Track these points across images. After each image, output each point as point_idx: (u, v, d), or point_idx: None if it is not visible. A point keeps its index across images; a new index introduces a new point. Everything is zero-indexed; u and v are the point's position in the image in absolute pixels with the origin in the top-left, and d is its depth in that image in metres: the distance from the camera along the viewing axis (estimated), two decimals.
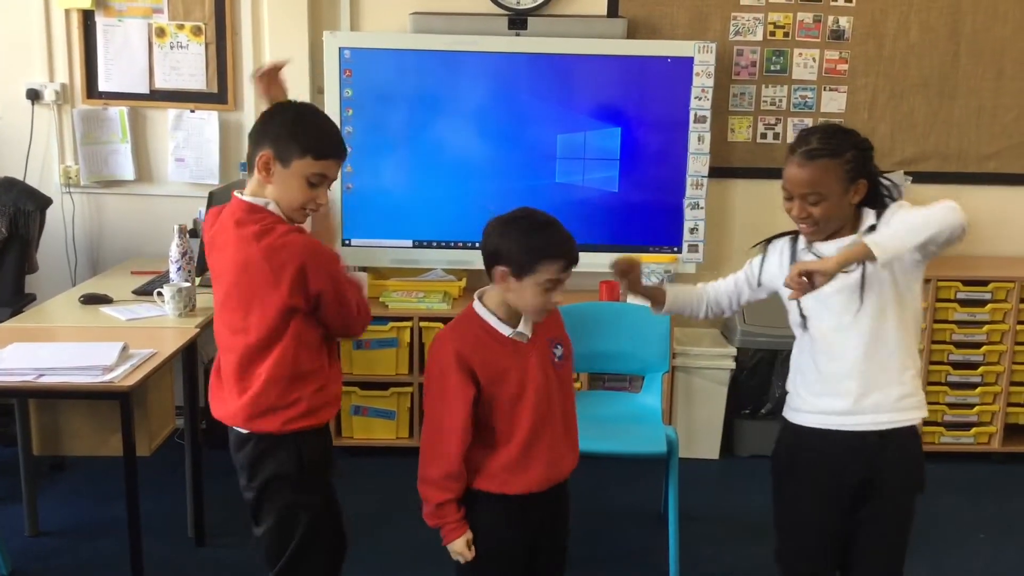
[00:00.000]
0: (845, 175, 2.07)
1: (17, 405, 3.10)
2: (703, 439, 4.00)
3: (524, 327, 2.10)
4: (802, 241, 2.22)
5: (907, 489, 2.23)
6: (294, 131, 2.06)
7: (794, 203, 2.11)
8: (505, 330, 2.09)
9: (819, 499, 2.21)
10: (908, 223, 2.01)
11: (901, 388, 2.16)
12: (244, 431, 2.18)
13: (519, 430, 2.08)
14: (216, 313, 2.21)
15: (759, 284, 2.34)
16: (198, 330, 3.08)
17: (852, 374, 2.14)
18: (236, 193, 2.17)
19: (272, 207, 2.11)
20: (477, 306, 2.13)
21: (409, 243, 4.10)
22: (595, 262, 4.06)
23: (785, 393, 3.90)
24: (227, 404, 2.19)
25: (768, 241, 2.35)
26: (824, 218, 2.09)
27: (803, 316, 2.20)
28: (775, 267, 2.28)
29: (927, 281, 3.89)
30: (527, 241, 2.03)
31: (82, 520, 3.37)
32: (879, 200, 2.14)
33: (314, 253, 2.07)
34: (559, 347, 2.18)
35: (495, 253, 2.04)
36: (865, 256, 1.95)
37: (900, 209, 2.11)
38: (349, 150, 3.87)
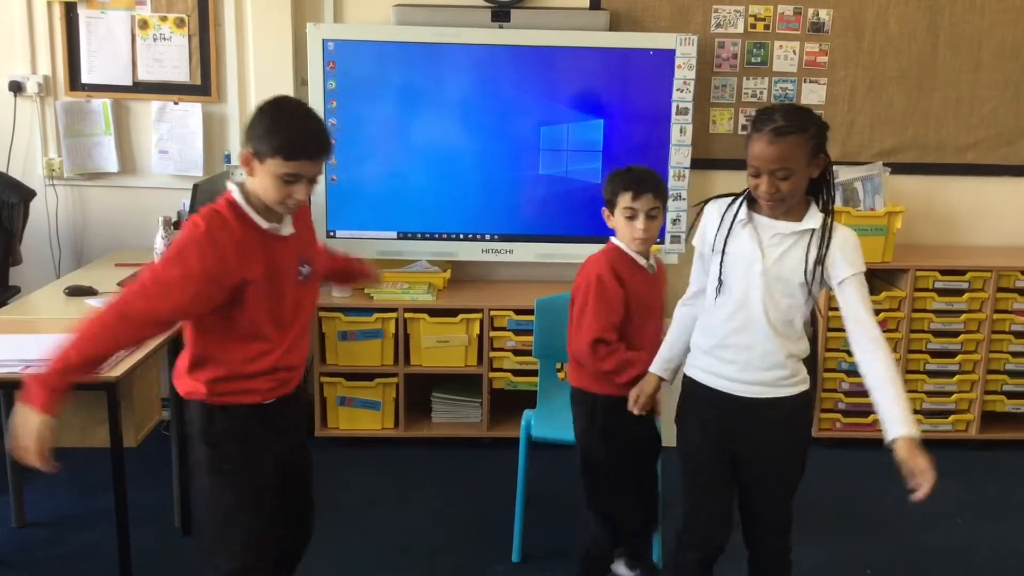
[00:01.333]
0: (810, 150, 2.16)
1: (2, 397, 3.10)
2: None
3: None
4: (742, 212, 2.26)
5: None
6: (269, 131, 2.08)
7: (762, 179, 2.17)
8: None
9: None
10: (900, 396, 2.28)
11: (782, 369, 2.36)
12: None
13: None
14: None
15: (712, 250, 2.35)
16: (183, 322, 3.08)
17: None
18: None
19: (237, 194, 2.13)
20: None
21: (393, 234, 4.12)
22: (579, 252, 4.10)
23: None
24: None
25: (705, 203, 2.42)
26: (790, 193, 2.18)
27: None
28: (711, 229, 2.34)
29: (906, 271, 3.94)
30: (610, 182, 2.66)
31: (69, 511, 3.38)
32: (824, 180, 2.26)
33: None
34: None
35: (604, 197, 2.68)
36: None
37: (851, 272, 2.28)
38: (333, 143, 3.88)
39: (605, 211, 2.67)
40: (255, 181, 2.11)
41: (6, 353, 2.63)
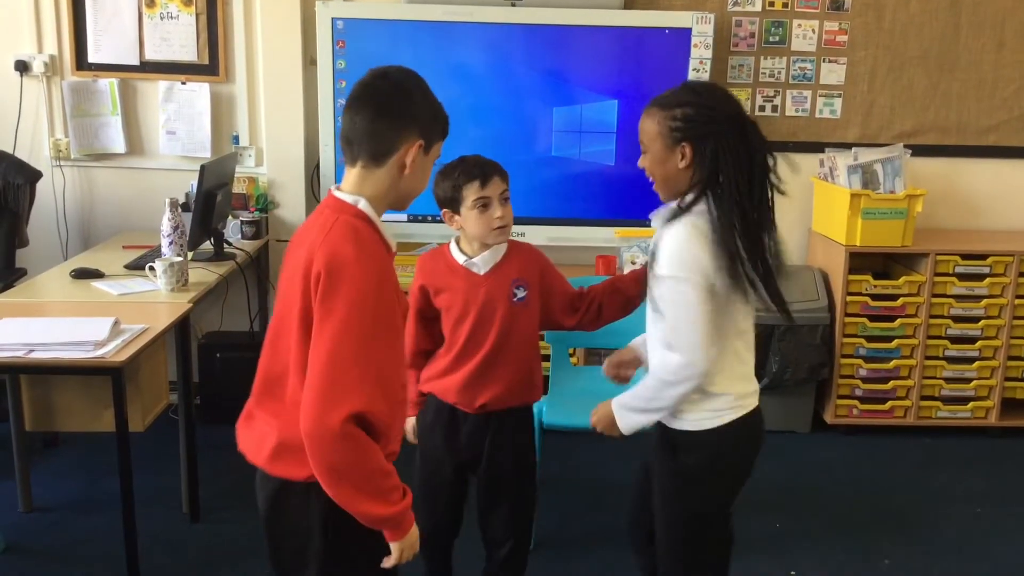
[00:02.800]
0: (668, 132, 1.91)
1: (8, 381, 3.07)
2: None
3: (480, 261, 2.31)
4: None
5: None
6: (435, 111, 1.77)
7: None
8: (460, 258, 2.33)
9: None
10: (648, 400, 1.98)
11: None
12: None
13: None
14: None
15: None
16: (191, 305, 3.04)
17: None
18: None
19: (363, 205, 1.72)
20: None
21: (404, 217, 4.06)
22: (592, 236, 4.07)
23: (784, 368, 3.92)
24: None
25: None
26: (651, 173, 1.99)
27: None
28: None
29: (926, 255, 3.87)
30: (445, 180, 2.28)
31: (76, 496, 3.35)
32: (714, 180, 1.93)
33: None
34: (521, 288, 2.32)
35: (438, 201, 2.32)
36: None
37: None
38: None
39: (445, 213, 2.29)
40: (402, 182, 1.77)
41: (12, 336, 2.59)
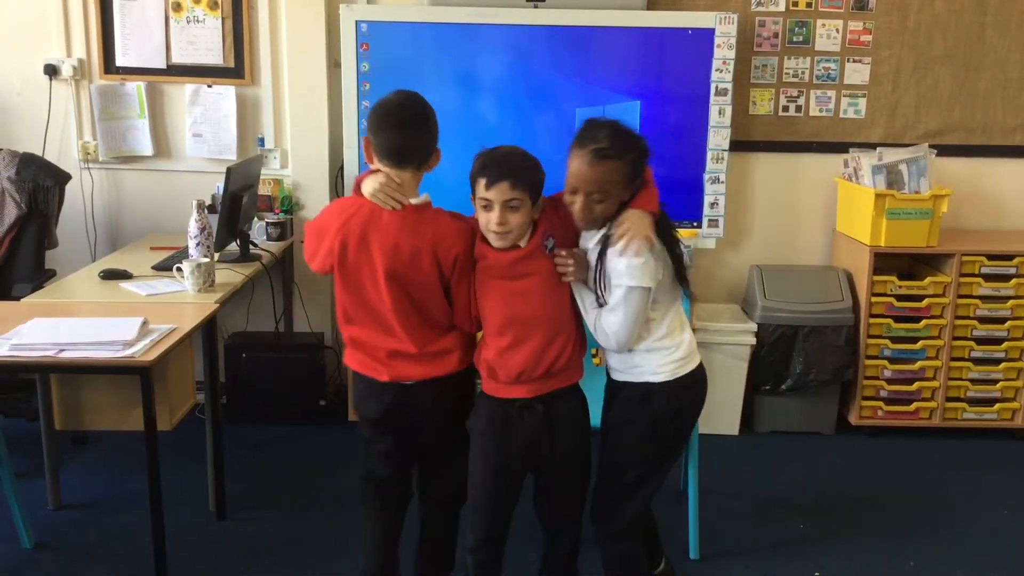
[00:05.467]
0: (627, 176, 2.18)
1: (39, 380, 3.11)
2: (722, 415, 3.97)
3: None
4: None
5: None
6: None
7: (578, 197, 2.19)
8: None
9: None
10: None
11: None
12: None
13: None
14: None
15: None
16: (217, 305, 3.08)
17: None
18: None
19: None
20: None
21: None
22: None
23: (808, 369, 3.91)
24: None
25: None
26: (603, 215, 2.21)
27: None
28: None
29: (951, 255, 3.84)
30: (475, 159, 2.27)
31: (104, 494, 3.39)
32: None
33: None
34: (550, 239, 2.29)
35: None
36: None
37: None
38: (366, 125, 3.84)
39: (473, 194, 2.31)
40: None
41: (42, 336, 2.63)
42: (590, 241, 2.28)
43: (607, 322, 2.24)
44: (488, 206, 2.21)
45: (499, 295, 2.29)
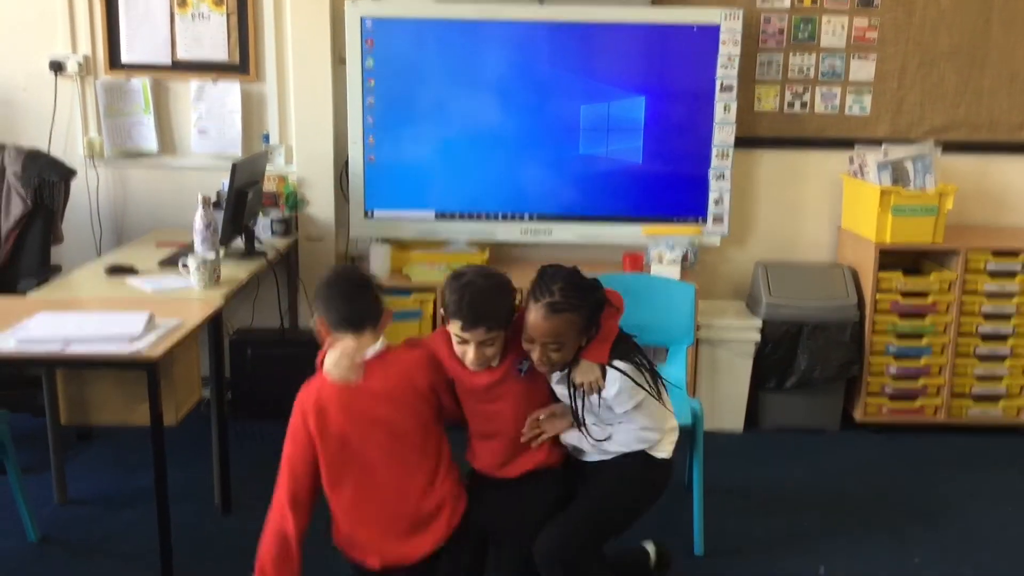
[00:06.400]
0: (581, 327, 2.26)
1: (44, 375, 3.12)
2: (727, 412, 3.97)
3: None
4: None
5: None
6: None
7: (535, 347, 2.26)
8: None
9: None
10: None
11: None
12: None
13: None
14: None
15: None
16: (223, 301, 3.08)
17: None
18: None
19: None
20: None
21: (431, 214, 4.08)
22: (619, 233, 4.08)
23: (813, 366, 3.90)
24: None
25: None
26: (560, 362, 2.29)
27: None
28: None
29: (956, 252, 3.84)
30: (447, 288, 2.30)
31: (110, 489, 3.40)
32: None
33: None
34: (524, 362, 2.35)
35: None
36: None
37: None
38: (371, 121, 3.86)
39: (442, 310, 2.34)
40: None
41: (48, 331, 2.63)
42: (553, 378, 2.39)
43: (638, 428, 2.37)
44: (464, 342, 2.28)
45: (474, 414, 2.43)
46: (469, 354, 2.27)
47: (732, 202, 4.05)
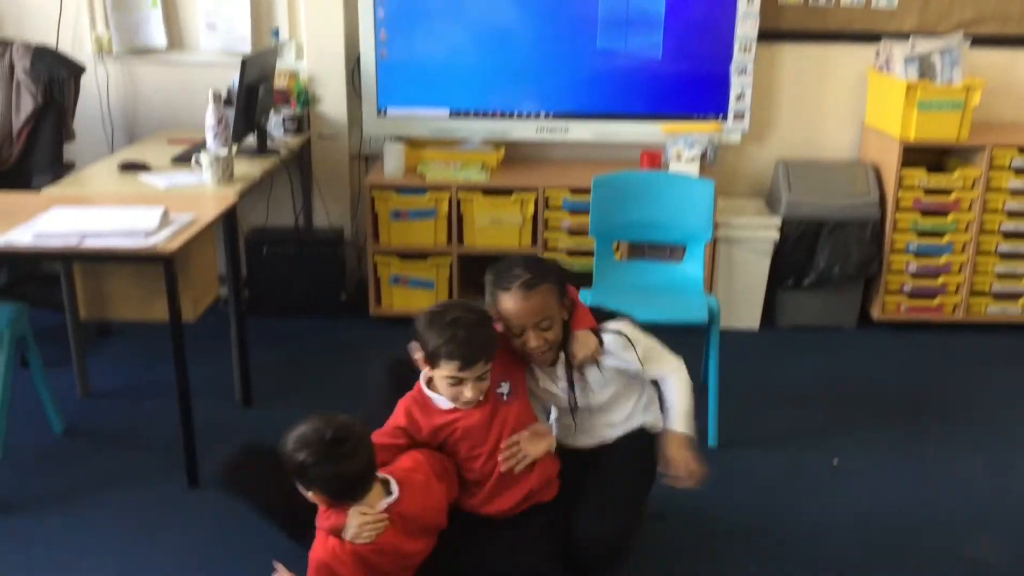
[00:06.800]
0: (559, 295, 2.18)
1: (62, 270, 3.13)
2: (743, 310, 3.97)
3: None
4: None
5: None
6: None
7: (528, 335, 2.14)
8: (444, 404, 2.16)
9: None
10: (686, 408, 2.25)
11: None
12: None
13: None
14: None
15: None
16: (237, 197, 3.06)
17: None
18: None
19: None
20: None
21: (446, 112, 4.02)
22: (637, 131, 4.01)
23: (832, 264, 3.87)
24: None
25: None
26: (556, 340, 2.19)
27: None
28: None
29: (982, 148, 3.76)
30: (431, 332, 2.07)
31: (131, 383, 3.45)
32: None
33: None
34: (505, 384, 2.20)
35: (418, 340, 2.11)
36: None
37: (638, 352, 2.25)
38: (382, 15, 3.71)
39: (418, 355, 2.11)
40: None
41: (64, 226, 2.63)
42: (557, 383, 2.26)
43: (673, 381, 2.28)
44: (460, 382, 2.08)
45: (468, 459, 2.20)
46: (467, 393, 2.08)
47: (753, 98, 3.96)
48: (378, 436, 2.13)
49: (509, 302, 2.13)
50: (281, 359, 3.67)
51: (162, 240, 2.59)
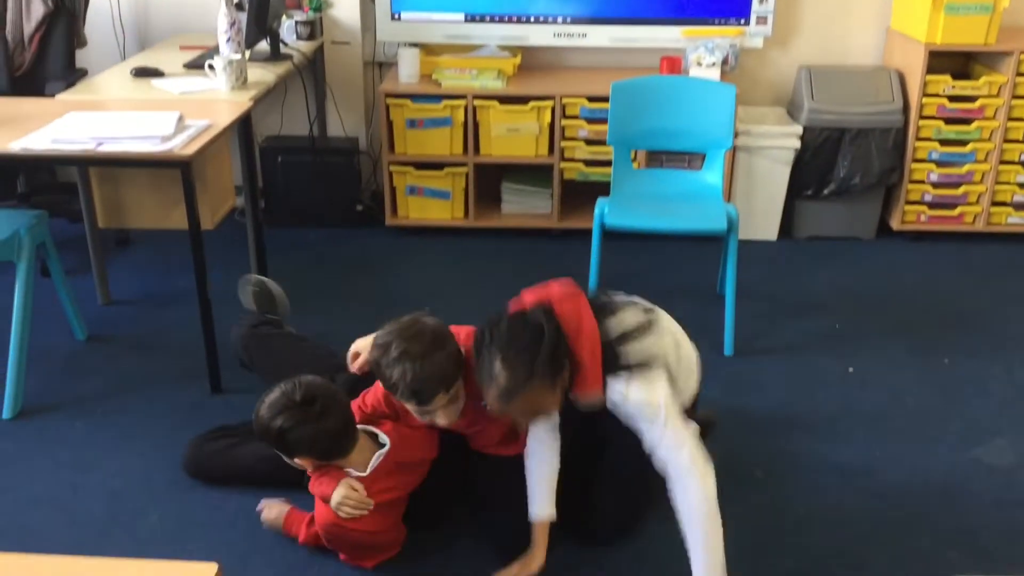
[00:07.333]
0: (550, 383, 1.89)
1: (79, 178, 3.12)
2: (761, 220, 3.94)
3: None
4: None
5: None
6: None
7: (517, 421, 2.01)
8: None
9: None
10: (716, 561, 1.87)
11: None
12: None
13: None
14: None
15: None
16: (252, 102, 3.03)
17: None
18: None
19: None
20: None
21: (461, 17, 3.93)
22: (656, 36, 3.93)
23: (853, 173, 3.82)
24: None
25: None
26: (550, 416, 2.02)
27: None
28: None
29: (1009, 54, 3.67)
30: (380, 369, 1.98)
31: (151, 291, 3.47)
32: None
33: None
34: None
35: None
36: None
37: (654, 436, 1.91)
38: None
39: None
40: None
41: (80, 131, 2.61)
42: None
43: (671, 463, 1.90)
44: (426, 413, 2.02)
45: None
46: (439, 420, 2.02)
47: (777, 2, 3.85)
48: (358, 408, 2.14)
49: (487, 399, 1.90)
50: (298, 268, 3.68)
51: (179, 145, 2.57)
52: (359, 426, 2.10)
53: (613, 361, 1.94)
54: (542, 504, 2.09)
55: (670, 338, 2.20)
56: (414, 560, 2.17)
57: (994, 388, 2.90)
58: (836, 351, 3.10)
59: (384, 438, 2.09)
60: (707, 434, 2.29)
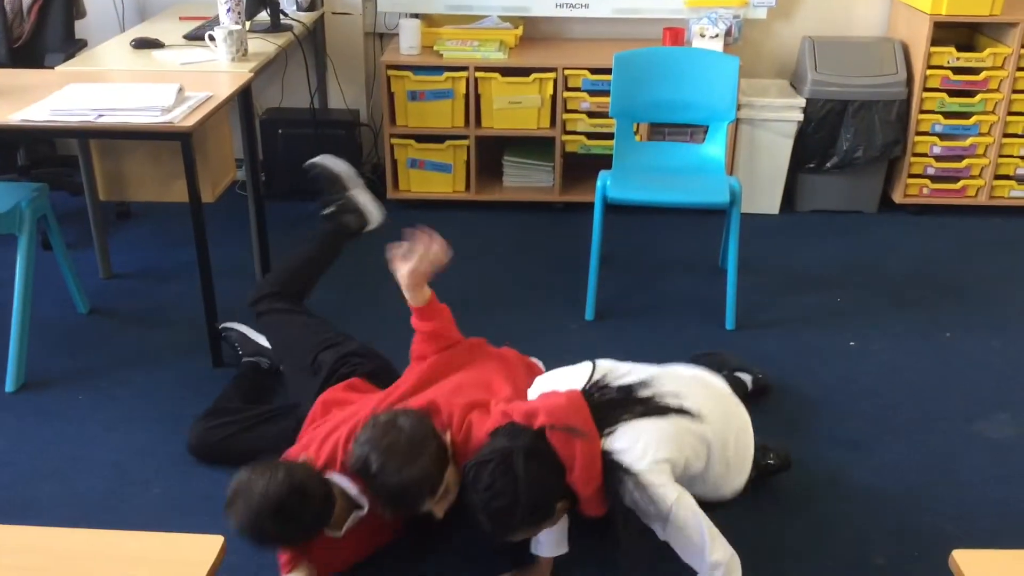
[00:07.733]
0: (546, 513, 1.82)
1: (80, 150, 3.11)
2: (763, 194, 3.93)
3: None
4: None
5: None
6: None
7: None
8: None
9: None
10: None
11: None
12: None
13: None
14: None
15: None
16: (252, 74, 3.01)
17: None
18: None
19: None
20: None
21: None
22: (659, 7, 3.89)
23: (856, 146, 3.79)
24: None
25: None
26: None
27: None
28: None
29: (1014, 25, 3.64)
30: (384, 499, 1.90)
31: (152, 265, 3.47)
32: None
33: None
34: None
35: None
36: None
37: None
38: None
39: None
40: None
41: (80, 102, 2.60)
42: None
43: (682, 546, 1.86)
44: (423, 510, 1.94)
45: None
46: (435, 512, 1.91)
47: None
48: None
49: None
50: (299, 241, 3.66)
51: (179, 116, 2.56)
52: (333, 477, 1.97)
53: (615, 472, 1.84)
54: (550, 548, 2.01)
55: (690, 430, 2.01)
56: (414, 560, 2.18)
57: (995, 362, 2.91)
58: (837, 325, 3.10)
59: (362, 500, 1.96)
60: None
